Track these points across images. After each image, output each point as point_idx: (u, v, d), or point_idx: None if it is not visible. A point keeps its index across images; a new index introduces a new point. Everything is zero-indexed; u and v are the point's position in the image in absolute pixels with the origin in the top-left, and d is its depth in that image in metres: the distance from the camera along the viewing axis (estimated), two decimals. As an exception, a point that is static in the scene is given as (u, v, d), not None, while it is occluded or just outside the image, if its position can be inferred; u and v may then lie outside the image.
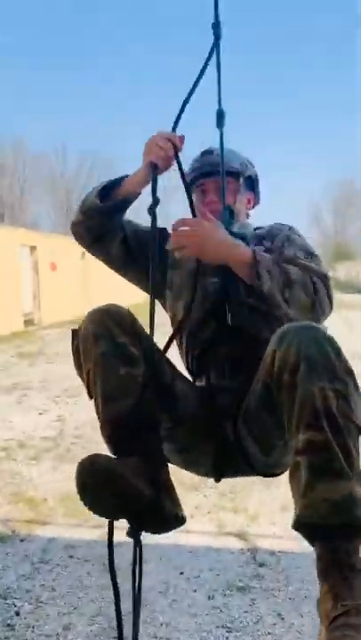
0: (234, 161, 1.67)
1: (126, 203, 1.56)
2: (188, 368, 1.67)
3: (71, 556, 2.77)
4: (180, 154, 1.47)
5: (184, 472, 1.63)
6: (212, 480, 1.63)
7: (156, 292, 1.50)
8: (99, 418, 1.33)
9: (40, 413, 5.73)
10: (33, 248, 14.72)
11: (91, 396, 1.36)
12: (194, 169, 1.69)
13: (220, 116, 1.54)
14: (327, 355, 1.14)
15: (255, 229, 1.69)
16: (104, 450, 1.28)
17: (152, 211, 1.44)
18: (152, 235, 1.44)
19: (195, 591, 2.47)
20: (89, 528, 3.04)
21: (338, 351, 1.17)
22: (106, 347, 1.30)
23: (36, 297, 14.79)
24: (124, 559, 1.45)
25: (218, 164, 1.58)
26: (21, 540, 2.97)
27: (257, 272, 1.35)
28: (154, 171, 1.45)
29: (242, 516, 3.22)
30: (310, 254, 1.53)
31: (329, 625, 1.02)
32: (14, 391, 6.81)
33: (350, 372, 1.16)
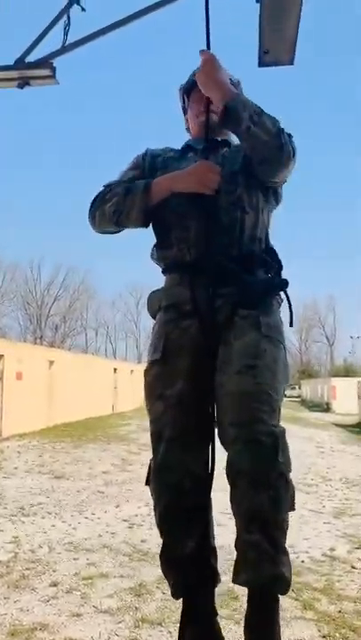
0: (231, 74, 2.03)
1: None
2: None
3: None
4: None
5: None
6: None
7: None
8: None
9: (-7, 533, 5.32)
10: (0, 356, 14.55)
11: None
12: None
13: None
14: (268, 473, 1.53)
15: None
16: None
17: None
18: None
19: None
20: (39, 672, 2.69)
21: (279, 468, 1.55)
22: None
23: (-1, 406, 14.36)
24: None
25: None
26: None
27: (234, 100, 1.71)
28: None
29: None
30: None
31: None
32: (-33, 508, 6.36)
33: (282, 476, 1.55)
